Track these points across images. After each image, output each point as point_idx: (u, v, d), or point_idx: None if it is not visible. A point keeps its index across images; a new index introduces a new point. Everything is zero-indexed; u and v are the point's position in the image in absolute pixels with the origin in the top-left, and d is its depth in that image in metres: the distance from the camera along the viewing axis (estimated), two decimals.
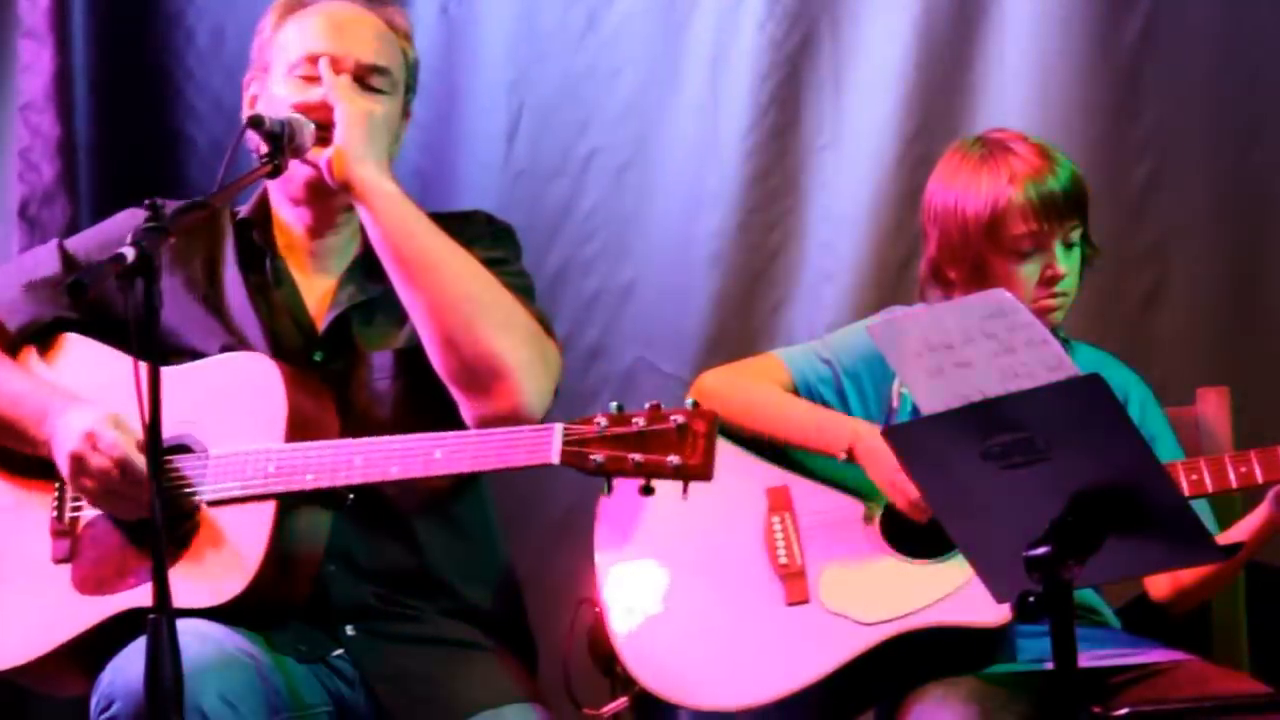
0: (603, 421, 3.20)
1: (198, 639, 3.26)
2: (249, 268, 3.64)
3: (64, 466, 3.44)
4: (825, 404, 3.84)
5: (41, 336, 3.66)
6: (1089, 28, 4.54)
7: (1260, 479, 3.55)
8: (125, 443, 3.40)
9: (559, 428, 3.23)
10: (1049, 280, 3.75)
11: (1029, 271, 3.75)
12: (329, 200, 3.60)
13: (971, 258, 3.77)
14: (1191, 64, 4.51)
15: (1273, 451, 3.54)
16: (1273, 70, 4.47)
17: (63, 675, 3.52)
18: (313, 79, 3.56)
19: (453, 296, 3.45)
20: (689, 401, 3.20)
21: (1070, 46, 4.54)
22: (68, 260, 3.67)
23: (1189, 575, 3.73)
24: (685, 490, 3.19)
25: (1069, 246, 3.77)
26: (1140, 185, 4.48)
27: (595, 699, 3.72)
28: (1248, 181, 4.47)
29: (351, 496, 3.44)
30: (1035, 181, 3.74)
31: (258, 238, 3.65)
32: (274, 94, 3.59)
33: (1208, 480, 3.55)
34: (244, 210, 3.68)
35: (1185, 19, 4.51)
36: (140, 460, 3.38)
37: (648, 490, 3.19)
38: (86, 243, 3.70)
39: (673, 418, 3.17)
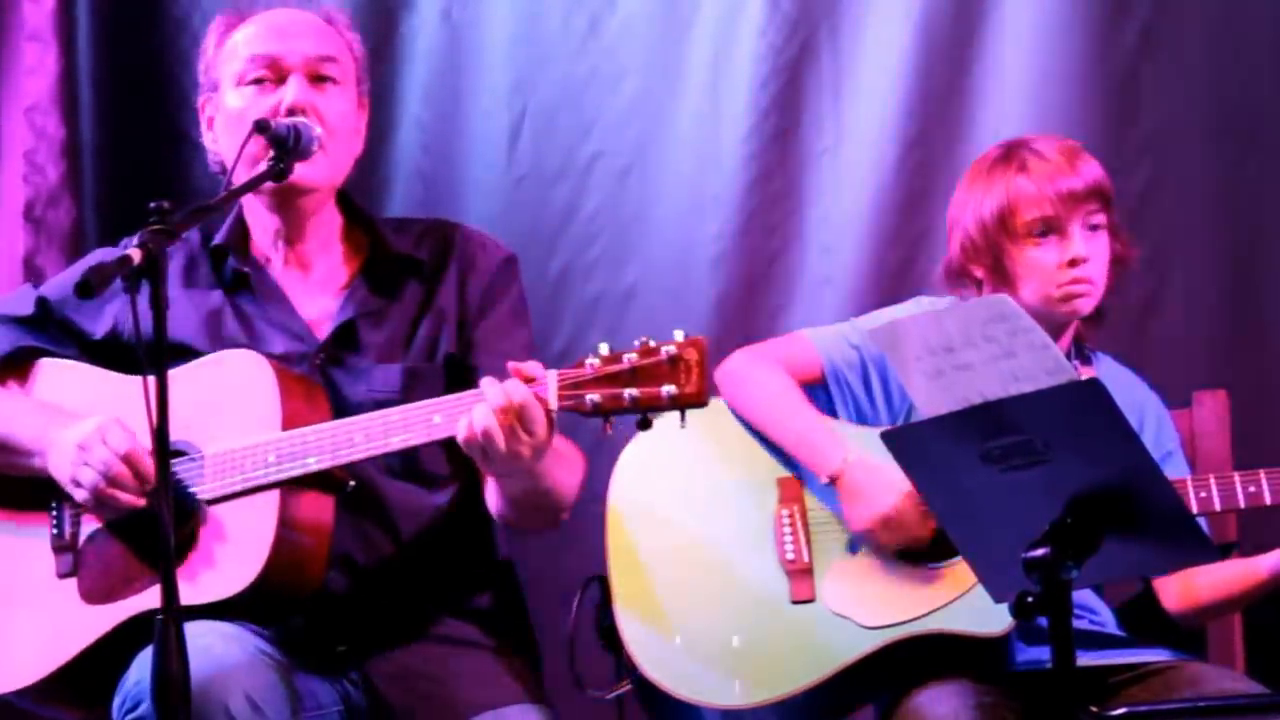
0: (594, 362, 3.20)
1: (222, 640, 3.29)
2: (233, 291, 3.64)
3: (67, 457, 3.44)
4: (850, 389, 3.83)
5: (15, 366, 3.68)
6: (1087, 33, 4.55)
7: (1268, 500, 3.56)
8: (131, 440, 3.41)
9: (552, 374, 3.23)
10: (1070, 263, 3.73)
11: (1048, 256, 3.74)
12: (297, 203, 3.61)
13: (990, 252, 3.77)
14: (1189, 70, 4.52)
15: None
16: (1270, 76, 4.48)
17: (74, 692, 3.51)
18: (263, 82, 3.58)
19: (549, 504, 3.52)
20: (676, 333, 3.20)
21: (1069, 52, 4.55)
22: (41, 304, 3.68)
23: (1206, 595, 3.75)
24: (683, 419, 3.19)
25: (1092, 229, 3.76)
26: (1138, 190, 4.48)
27: (600, 682, 3.73)
28: (1245, 186, 4.48)
29: (352, 484, 3.46)
30: (1044, 167, 3.75)
31: (236, 261, 3.65)
32: (229, 108, 3.60)
33: (1216, 499, 3.56)
34: (219, 237, 3.68)
35: (1183, 25, 4.52)
36: (145, 456, 3.39)
37: (645, 424, 3.20)
38: (60, 288, 3.69)
39: (664, 349, 3.17)
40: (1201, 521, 3.68)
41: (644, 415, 3.19)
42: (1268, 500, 3.56)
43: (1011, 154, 3.80)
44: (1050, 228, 3.74)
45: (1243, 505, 3.57)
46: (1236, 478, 3.57)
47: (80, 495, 3.44)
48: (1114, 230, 3.81)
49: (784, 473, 3.79)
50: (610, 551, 3.75)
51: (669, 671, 3.66)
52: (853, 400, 3.83)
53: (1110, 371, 3.89)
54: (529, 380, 3.24)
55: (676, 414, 3.20)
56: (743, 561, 3.73)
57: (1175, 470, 3.70)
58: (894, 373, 3.79)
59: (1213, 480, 3.58)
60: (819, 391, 3.84)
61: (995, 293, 3.75)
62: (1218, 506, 3.57)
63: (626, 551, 3.74)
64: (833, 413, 3.84)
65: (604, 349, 3.21)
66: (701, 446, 3.81)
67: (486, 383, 3.26)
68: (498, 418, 3.23)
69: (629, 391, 3.17)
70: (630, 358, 3.18)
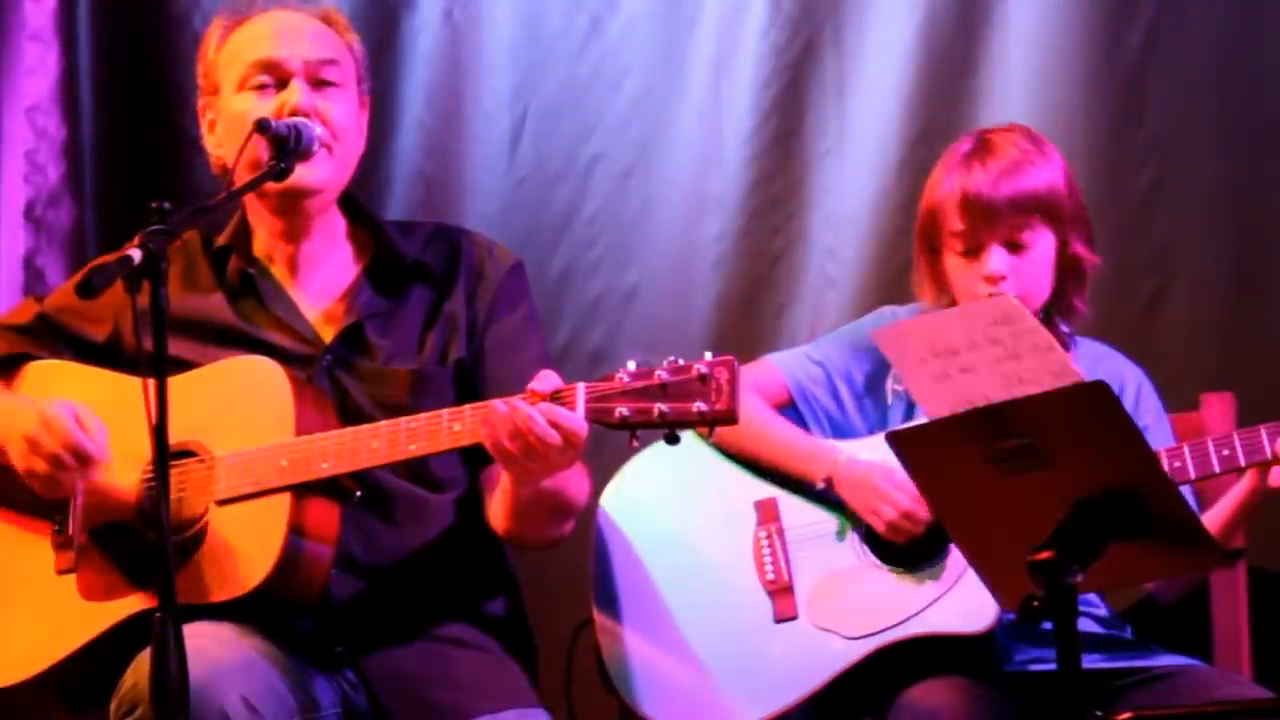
0: (625, 376, 3.23)
1: (217, 642, 3.28)
2: (236, 293, 3.64)
3: (17, 446, 3.45)
4: (820, 405, 3.84)
5: (10, 371, 3.68)
6: (1092, 33, 4.54)
7: (1243, 462, 3.54)
8: (77, 430, 3.41)
9: (581, 386, 3.25)
10: (986, 280, 3.66)
11: (968, 268, 3.69)
12: (303, 205, 3.60)
13: (927, 250, 3.76)
14: (1194, 69, 4.51)
15: (1254, 433, 3.53)
16: (1276, 75, 4.47)
17: (70, 696, 3.51)
18: (265, 87, 3.57)
19: (561, 503, 3.52)
20: (706, 354, 3.22)
21: (1073, 51, 4.54)
22: (41, 318, 3.69)
23: None
24: (712, 432, 3.23)
25: (1015, 246, 3.67)
26: (1144, 191, 4.48)
27: (602, 719, 3.75)
28: (1251, 187, 4.47)
29: (359, 494, 3.45)
30: (968, 179, 3.67)
31: (240, 262, 3.64)
32: (230, 112, 3.59)
33: (1190, 468, 3.55)
34: (224, 239, 3.67)
35: (1188, 24, 4.51)
36: (91, 445, 3.40)
37: (673, 439, 3.22)
38: (61, 299, 3.71)
39: (695, 367, 3.20)
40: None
41: (672, 430, 3.21)
42: (1242, 462, 3.54)
43: (961, 149, 3.72)
44: (972, 244, 3.69)
45: (1218, 470, 3.55)
46: (1209, 443, 3.55)
47: (35, 486, 3.47)
48: (1058, 232, 3.70)
49: (761, 496, 3.80)
50: (595, 588, 3.76)
51: (664, 707, 3.67)
52: (825, 415, 3.83)
53: (1089, 352, 3.86)
54: (555, 395, 3.25)
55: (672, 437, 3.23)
56: (726, 588, 3.75)
57: (1158, 441, 3.65)
58: (860, 382, 3.82)
59: (1186, 449, 3.56)
60: (789, 413, 3.84)
61: (936, 291, 3.74)
62: (1192, 474, 3.54)
63: (612, 591, 3.77)
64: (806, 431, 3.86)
65: (632, 365, 3.24)
66: (679, 481, 3.85)
67: (516, 399, 3.27)
68: (530, 436, 3.25)
69: (659, 406, 3.20)
70: (661, 374, 3.21)
